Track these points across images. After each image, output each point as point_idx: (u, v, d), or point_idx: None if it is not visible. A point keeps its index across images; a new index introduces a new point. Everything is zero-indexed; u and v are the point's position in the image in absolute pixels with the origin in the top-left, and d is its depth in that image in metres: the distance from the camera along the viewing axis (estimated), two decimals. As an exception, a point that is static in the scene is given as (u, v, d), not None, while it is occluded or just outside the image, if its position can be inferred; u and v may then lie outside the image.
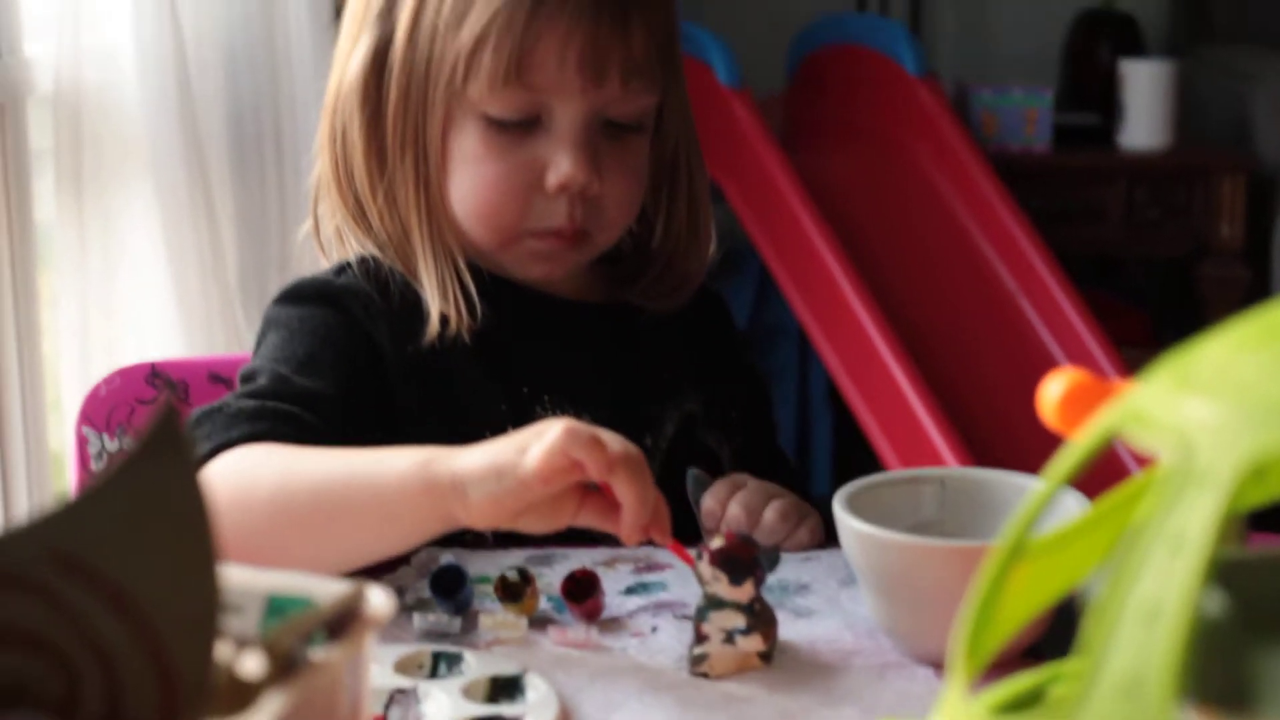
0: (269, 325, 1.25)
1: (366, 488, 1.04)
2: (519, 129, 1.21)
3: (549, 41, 1.18)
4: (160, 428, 0.59)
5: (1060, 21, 3.96)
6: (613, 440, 0.98)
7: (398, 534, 1.05)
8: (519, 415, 1.24)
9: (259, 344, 1.24)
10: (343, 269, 1.27)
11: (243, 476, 1.07)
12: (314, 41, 2.53)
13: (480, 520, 1.00)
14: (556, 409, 1.25)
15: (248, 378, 1.20)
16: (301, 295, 1.25)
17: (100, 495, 0.59)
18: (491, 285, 1.26)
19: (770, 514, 1.18)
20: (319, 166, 1.30)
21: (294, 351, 1.21)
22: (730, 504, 1.18)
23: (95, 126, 2.12)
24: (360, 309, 1.24)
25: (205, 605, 0.60)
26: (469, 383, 1.25)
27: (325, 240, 1.32)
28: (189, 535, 0.60)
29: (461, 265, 1.24)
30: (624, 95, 1.22)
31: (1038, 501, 0.59)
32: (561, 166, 1.21)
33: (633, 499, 0.97)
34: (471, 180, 1.23)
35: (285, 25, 2.50)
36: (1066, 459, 0.58)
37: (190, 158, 2.22)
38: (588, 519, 1.00)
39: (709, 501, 1.19)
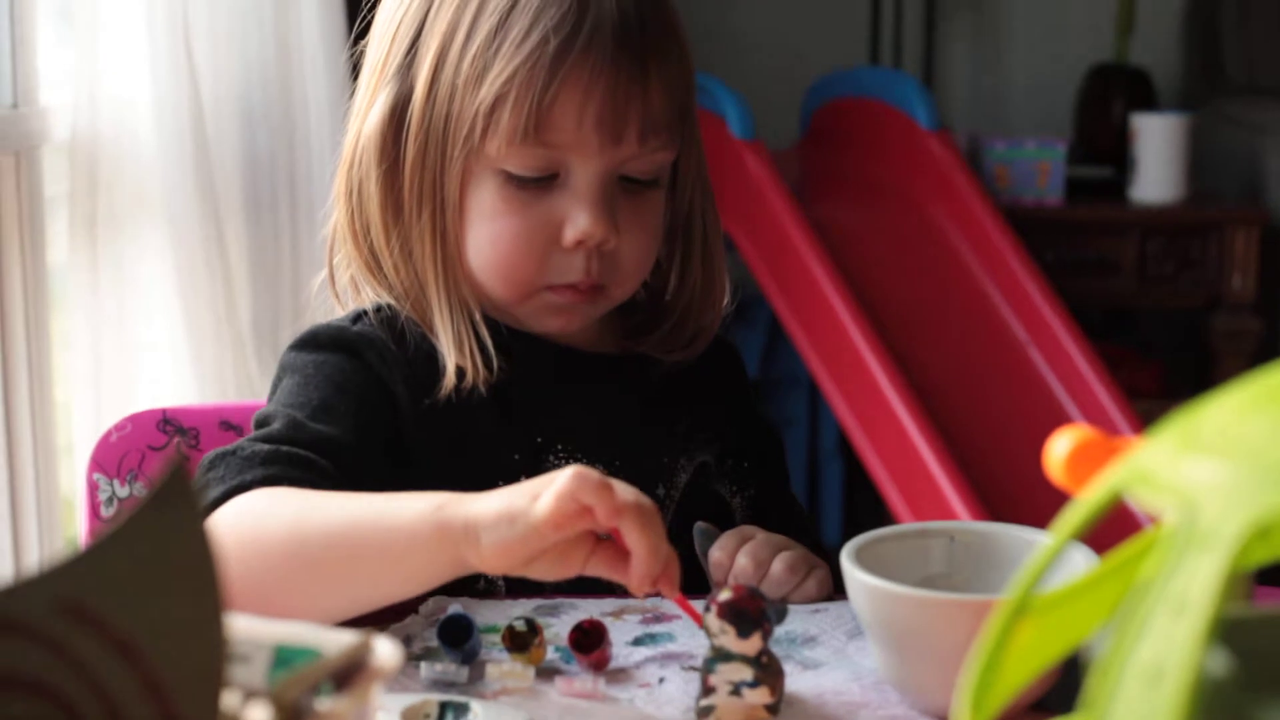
0: (284, 371, 1.25)
1: (379, 532, 1.04)
2: (537, 185, 1.22)
3: (567, 100, 1.19)
4: (170, 478, 0.59)
5: (1073, 75, 3.98)
6: (624, 489, 0.98)
7: (410, 578, 1.05)
8: (532, 465, 1.24)
9: (274, 389, 1.25)
10: (359, 317, 1.27)
11: (256, 520, 1.08)
12: (329, 93, 2.54)
13: (492, 565, 1.00)
14: (569, 459, 1.26)
15: (262, 422, 1.21)
16: (318, 342, 1.25)
17: (109, 545, 0.59)
18: (507, 337, 1.26)
19: (778, 566, 1.18)
20: (335, 217, 1.30)
21: (309, 397, 1.21)
22: (738, 556, 1.18)
23: (110, 174, 2.14)
24: (375, 357, 1.24)
25: (212, 655, 0.60)
26: (482, 432, 1.25)
27: (341, 290, 1.32)
28: (197, 585, 0.60)
29: (478, 318, 1.25)
30: (641, 152, 1.22)
31: (1043, 558, 0.59)
32: (579, 222, 1.21)
33: (642, 549, 0.97)
34: (489, 235, 1.23)
35: (301, 76, 2.52)
36: (1072, 517, 0.58)
37: (204, 206, 2.23)
38: (597, 568, 1.01)
39: (717, 554, 1.19)
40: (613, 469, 1.27)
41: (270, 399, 1.24)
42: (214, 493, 1.11)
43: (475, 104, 1.20)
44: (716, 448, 1.35)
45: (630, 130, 1.21)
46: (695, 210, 1.32)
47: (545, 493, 0.97)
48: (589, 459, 1.26)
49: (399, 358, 1.24)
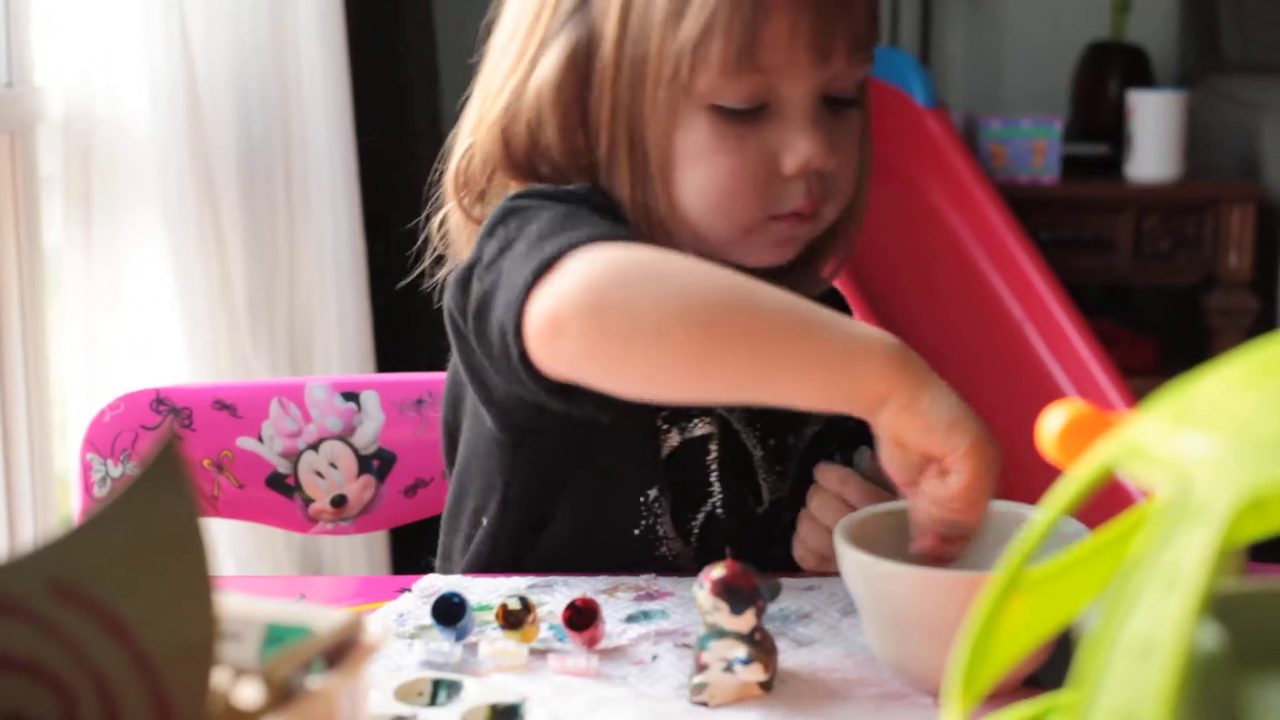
0: (498, 225, 1.14)
1: (822, 325, 1.00)
2: (749, 116, 1.17)
3: (779, 20, 1.14)
4: (161, 456, 0.59)
5: (1070, 53, 3.97)
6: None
7: (805, 384, 1.01)
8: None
9: (483, 249, 1.13)
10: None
11: (687, 274, 1.02)
12: (325, 71, 2.54)
13: (887, 426, 0.99)
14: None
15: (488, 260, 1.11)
16: (532, 195, 1.18)
17: (99, 524, 0.59)
18: None
19: None
20: (462, 165, 1.25)
21: (551, 219, 1.11)
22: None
23: (105, 153, 2.13)
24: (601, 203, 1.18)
25: (202, 634, 0.60)
26: None
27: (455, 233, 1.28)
28: (187, 564, 0.60)
29: None
30: (848, 68, 1.19)
31: (1035, 533, 0.59)
32: (799, 148, 1.17)
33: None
34: (706, 175, 1.18)
35: (297, 55, 2.51)
36: (1064, 491, 0.58)
37: (199, 185, 2.23)
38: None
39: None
40: (749, 416, 1.26)
41: (483, 249, 1.13)
42: (572, 239, 1.04)
43: (679, 39, 1.15)
44: None
45: (839, 45, 1.16)
46: (866, 135, 1.29)
47: (967, 468, 0.97)
48: (723, 406, 1.24)
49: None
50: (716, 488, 1.25)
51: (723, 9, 1.13)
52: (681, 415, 1.23)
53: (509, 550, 1.25)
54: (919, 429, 0.97)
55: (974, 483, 0.97)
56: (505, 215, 1.14)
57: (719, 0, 1.13)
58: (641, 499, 1.23)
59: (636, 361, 1.01)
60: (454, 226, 1.28)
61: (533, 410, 1.14)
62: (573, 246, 1.03)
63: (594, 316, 1.00)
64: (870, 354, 0.98)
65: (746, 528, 1.26)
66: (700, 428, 1.24)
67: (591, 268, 1.01)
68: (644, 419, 1.22)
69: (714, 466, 1.25)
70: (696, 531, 1.25)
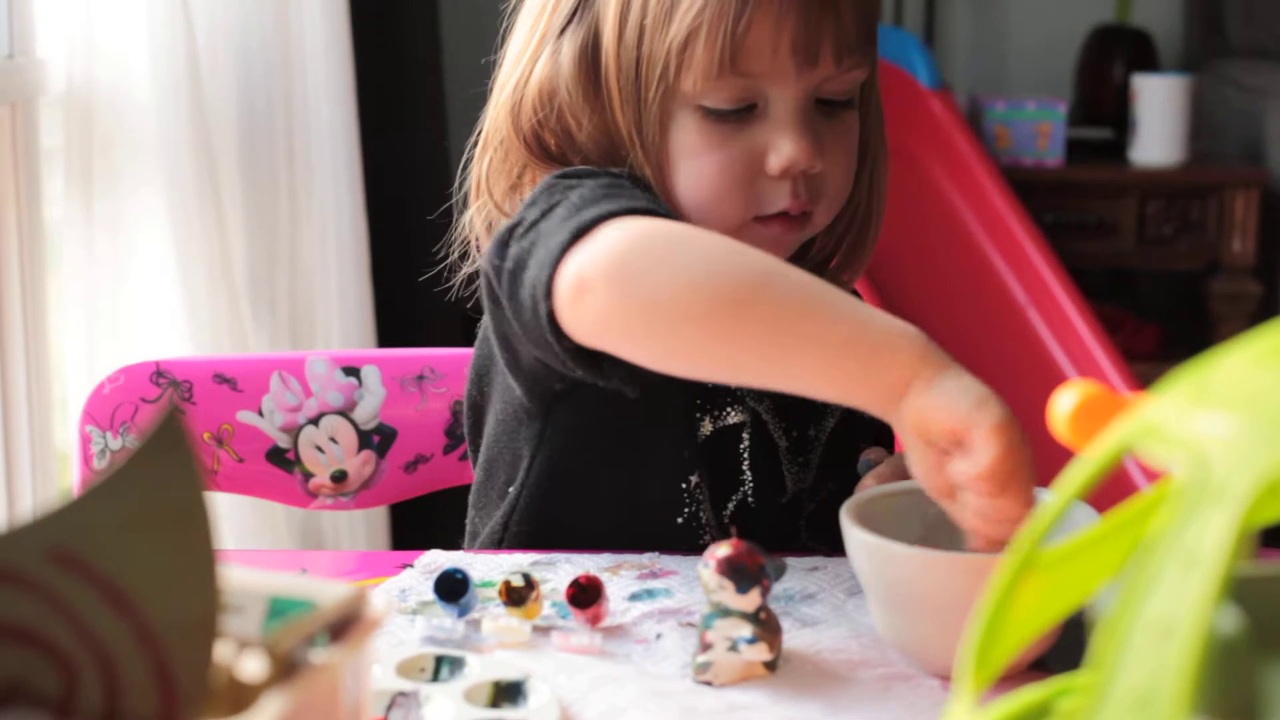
0: (541, 194, 1.15)
1: (842, 310, 1.00)
2: (736, 117, 1.19)
3: (761, 28, 1.16)
4: (163, 426, 0.58)
5: (1075, 36, 3.96)
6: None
7: (822, 372, 0.99)
8: (709, 392, 1.23)
9: (525, 214, 1.14)
10: None
11: (717, 248, 1.02)
12: (327, 43, 2.53)
13: (906, 421, 0.96)
14: (736, 402, 1.24)
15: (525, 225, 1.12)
16: (576, 172, 1.19)
17: (101, 493, 0.58)
18: None
19: None
20: (482, 166, 1.27)
21: (594, 188, 1.14)
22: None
23: (106, 126, 2.12)
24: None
25: (205, 606, 0.60)
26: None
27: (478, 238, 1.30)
28: (189, 536, 0.59)
29: None
30: (837, 73, 1.19)
31: (1051, 514, 0.58)
32: (783, 150, 1.18)
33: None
34: (693, 173, 1.20)
35: (299, 26, 2.50)
36: (1079, 472, 0.57)
37: (200, 158, 2.22)
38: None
39: (869, 481, 1.16)
40: (778, 401, 1.27)
41: (520, 225, 1.14)
42: (610, 208, 1.06)
43: (666, 42, 1.17)
44: None
45: (825, 51, 1.17)
46: (870, 141, 1.29)
47: (994, 443, 0.93)
48: (753, 397, 1.25)
49: None
50: (748, 476, 1.25)
51: (706, 16, 1.15)
52: (715, 404, 1.24)
53: (538, 530, 1.25)
54: (943, 406, 0.95)
55: (1003, 459, 0.93)
56: (549, 186, 1.16)
57: (704, 6, 1.15)
58: (683, 485, 1.23)
59: (658, 330, 1.01)
60: (478, 226, 1.30)
61: (559, 379, 1.17)
62: (611, 215, 1.05)
63: (620, 280, 1.01)
64: (894, 342, 0.97)
65: (774, 516, 1.26)
66: (733, 416, 1.24)
67: (625, 234, 1.03)
68: (681, 404, 1.22)
69: (745, 455, 1.25)
70: (728, 520, 1.25)
